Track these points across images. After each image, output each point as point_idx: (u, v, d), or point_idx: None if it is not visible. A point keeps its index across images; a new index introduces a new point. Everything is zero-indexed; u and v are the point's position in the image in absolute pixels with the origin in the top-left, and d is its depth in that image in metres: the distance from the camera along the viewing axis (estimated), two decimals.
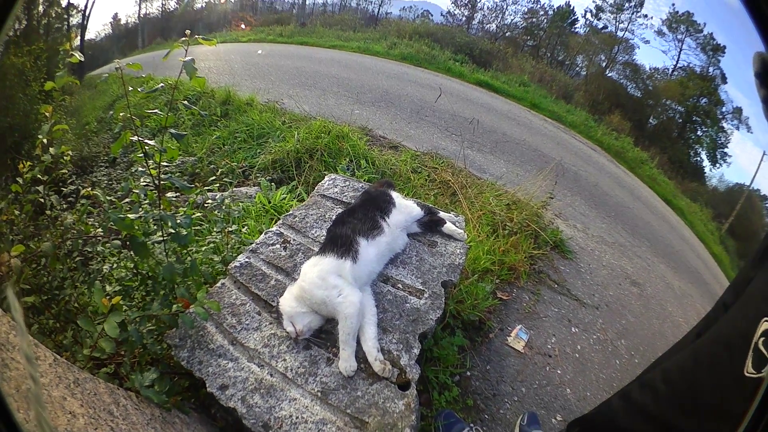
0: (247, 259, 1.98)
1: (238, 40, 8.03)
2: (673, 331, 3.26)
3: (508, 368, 2.31)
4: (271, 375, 1.55)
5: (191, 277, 1.70)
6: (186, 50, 1.45)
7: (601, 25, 8.08)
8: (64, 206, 1.84)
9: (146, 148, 1.56)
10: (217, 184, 2.84)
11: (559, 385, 2.29)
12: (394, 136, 4.96)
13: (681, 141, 7.20)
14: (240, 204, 2.96)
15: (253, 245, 2.07)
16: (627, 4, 7.69)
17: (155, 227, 1.68)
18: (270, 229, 2.19)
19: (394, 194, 2.15)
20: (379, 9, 8.91)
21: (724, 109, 6.87)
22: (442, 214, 2.29)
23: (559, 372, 2.38)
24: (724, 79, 6.95)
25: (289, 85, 5.74)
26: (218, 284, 1.88)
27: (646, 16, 7.56)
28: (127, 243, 1.57)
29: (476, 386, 2.16)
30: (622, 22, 7.80)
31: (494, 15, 8.64)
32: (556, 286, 3.17)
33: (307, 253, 2.01)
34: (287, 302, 1.67)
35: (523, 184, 4.07)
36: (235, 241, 2.30)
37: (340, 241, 1.76)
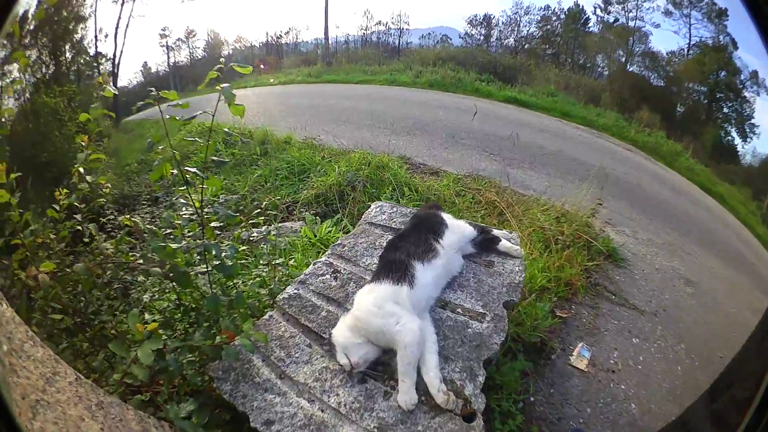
0: (296, 291, 1.80)
1: (269, 83, 8.12)
2: (727, 324, 2.98)
3: (572, 389, 2.11)
4: (323, 410, 1.33)
5: (237, 308, 1.53)
6: (221, 75, 1.34)
7: (612, 19, 7.57)
8: (103, 237, 1.74)
9: (188, 176, 1.43)
10: (262, 218, 2.76)
11: (623, 401, 2.10)
12: (434, 162, 4.70)
13: (710, 122, 6.53)
14: (286, 238, 2.81)
15: (302, 276, 1.90)
16: None
17: (198, 258, 1.54)
18: (319, 260, 2.00)
19: (445, 215, 1.97)
20: (399, 39, 8.88)
21: (742, 77, 6.18)
22: (495, 232, 2.09)
23: (623, 387, 2.18)
24: (735, 45, 6.25)
25: (324, 122, 5.63)
26: (266, 317, 1.70)
27: None
28: (170, 274, 1.42)
29: (541, 411, 1.96)
30: (631, 11, 7.30)
31: (510, 29, 8.36)
32: (613, 297, 2.90)
33: (358, 282, 1.83)
34: (341, 333, 1.47)
35: (568, 196, 3.77)
36: (282, 274, 2.15)
37: (394, 267, 1.57)
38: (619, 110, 6.77)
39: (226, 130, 2.05)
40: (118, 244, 1.62)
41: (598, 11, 7.64)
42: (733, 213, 5.42)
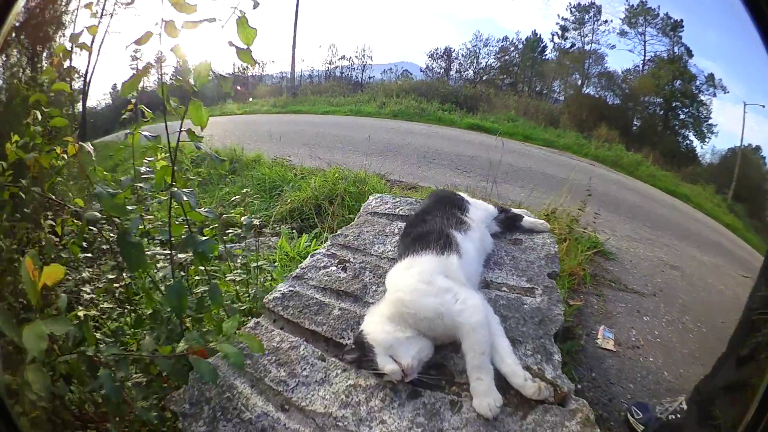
0: (291, 288, 1.27)
1: (234, 112, 7.56)
2: (720, 297, 3.22)
3: (609, 370, 2.16)
4: None
5: (213, 309, 0.98)
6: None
7: (568, 45, 7.89)
8: None
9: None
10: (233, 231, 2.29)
11: (656, 371, 2.19)
12: (410, 179, 4.59)
13: (667, 132, 6.79)
14: (261, 252, 2.37)
15: (297, 271, 1.38)
16: (587, 16, 7.59)
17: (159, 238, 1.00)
18: (317, 251, 1.53)
19: (462, 194, 1.72)
20: (362, 74, 8.81)
21: (697, 82, 6.51)
22: (515, 210, 1.86)
23: (651, 359, 2.28)
24: (690, 54, 6.63)
25: (293, 146, 5.25)
26: (249, 324, 1.16)
27: (606, 21, 7.39)
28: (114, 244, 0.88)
29: (591, 397, 1.94)
30: (587, 35, 7.66)
31: (469, 61, 8.53)
32: (613, 284, 3.01)
33: (376, 271, 1.38)
34: (378, 328, 0.97)
35: (548, 201, 3.69)
36: (265, 279, 1.62)
37: (433, 237, 1.19)
38: (578, 130, 6.89)
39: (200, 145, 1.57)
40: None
41: (556, 38, 7.97)
42: (700, 209, 5.58)
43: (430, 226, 1.25)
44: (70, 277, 1.17)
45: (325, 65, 8.60)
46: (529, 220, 1.78)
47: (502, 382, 0.91)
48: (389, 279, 1.10)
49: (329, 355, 1.04)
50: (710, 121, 6.44)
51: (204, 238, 1.06)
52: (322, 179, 3.48)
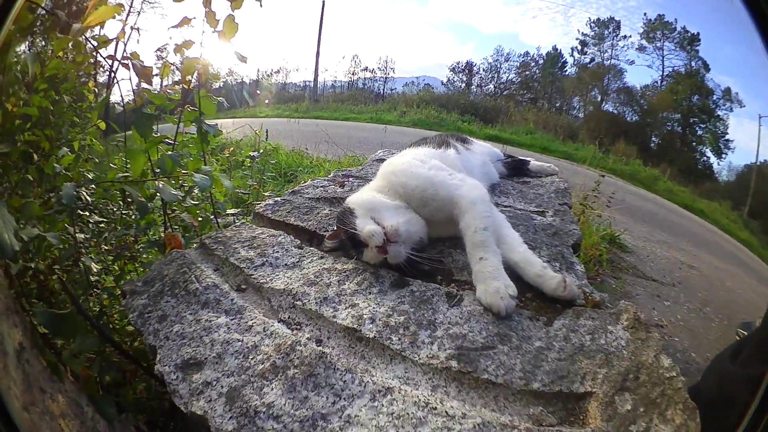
0: (285, 198, 1.08)
1: (256, 115, 7.63)
2: (739, 298, 2.97)
3: None
4: (320, 339, 0.60)
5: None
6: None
7: (587, 60, 7.68)
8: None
9: None
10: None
11: (684, 351, 2.06)
12: None
13: (685, 148, 6.38)
14: None
15: (296, 189, 1.21)
16: (606, 32, 7.37)
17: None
18: (317, 178, 1.35)
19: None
20: (384, 86, 8.80)
21: (714, 97, 6.13)
22: (521, 157, 1.69)
23: (677, 339, 2.16)
24: (707, 68, 6.28)
25: (312, 142, 5.23)
26: (236, 224, 0.96)
27: (625, 36, 7.14)
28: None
29: None
30: (606, 50, 7.41)
31: (490, 76, 8.40)
32: (630, 270, 2.79)
33: None
34: (364, 196, 0.78)
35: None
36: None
37: (435, 140, 1.09)
38: (597, 144, 6.60)
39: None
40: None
41: (575, 53, 7.78)
42: (716, 225, 5.17)
43: (435, 138, 1.13)
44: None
45: (347, 76, 8.66)
46: (536, 164, 1.61)
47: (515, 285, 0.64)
48: (381, 168, 0.88)
49: (307, 246, 0.83)
50: (727, 137, 6.04)
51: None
52: (337, 165, 3.34)
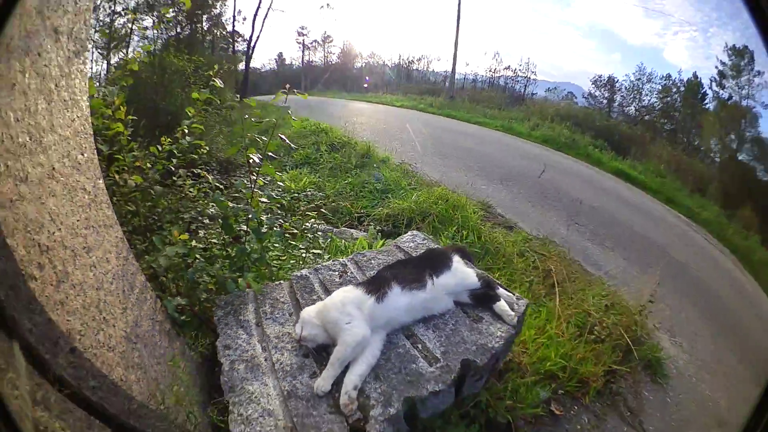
0: (307, 273, 1.98)
1: (393, 104, 8.02)
2: None
3: None
4: (265, 359, 1.52)
5: (259, 266, 1.83)
6: (285, 99, 1.75)
7: (726, 95, 5.95)
8: (190, 180, 2.15)
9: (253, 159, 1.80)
10: (315, 213, 2.94)
11: None
12: (512, 215, 4.18)
13: None
14: (342, 240, 2.85)
15: (319, 266, 2.07)
16: (742, 63, 5.48)
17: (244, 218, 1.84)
18: (338, 259, 2.12)
19: (456, 259, 1.83)
20: (525, 88, 8.32)
21: None
22: (500, 292, 1.83)
23: None
24: None
25: (426, 152, 5.50)
26: (278, 282, 1.95)
27: (759, 73, 5.23)
28: (220, 220, 1.78)
29: None
30: (743, 87, 5.59)
31: (632, 96, 7.20)
32: (628, 414, 2.26)
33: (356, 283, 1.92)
34: (309, 312, 1.59)
35: (633, 283, 3.14)
36: (315, 261, 2.34)
37: (376, 281, 1.62)
38: (723, 205, 5.38)
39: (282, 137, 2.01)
40: (196, 188, 2.05)
41: (714, 84, 6.10)
42: None
43: (387, 274, 1.64)
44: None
45: (488, 72, 8.39)
46: (501, 306, 1.74)
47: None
48: (334, 292, 1.66)
49: (295, 315, 1.72)
50: None
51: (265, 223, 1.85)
52: (425, 196, 3.66)
